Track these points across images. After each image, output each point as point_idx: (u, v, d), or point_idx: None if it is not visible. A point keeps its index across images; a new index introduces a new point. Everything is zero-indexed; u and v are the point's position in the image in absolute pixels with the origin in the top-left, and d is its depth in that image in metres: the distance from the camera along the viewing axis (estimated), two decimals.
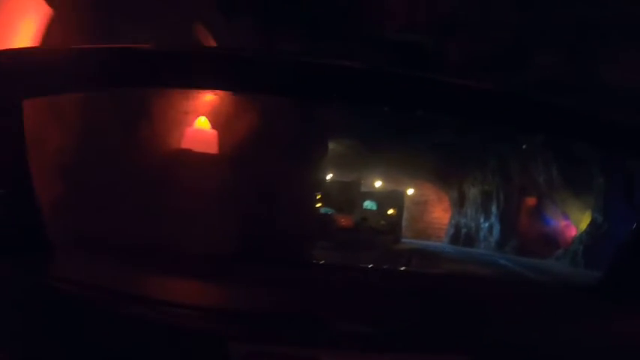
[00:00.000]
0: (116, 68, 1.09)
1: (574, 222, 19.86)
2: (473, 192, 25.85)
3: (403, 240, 25.81)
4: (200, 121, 5.28)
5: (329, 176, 25.08)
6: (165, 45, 1.75)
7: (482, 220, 24.71)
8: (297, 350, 0.92)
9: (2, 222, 1.12)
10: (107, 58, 1.10)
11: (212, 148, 5.24)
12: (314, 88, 1.16)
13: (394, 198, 26.17)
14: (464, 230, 26.64)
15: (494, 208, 23.39)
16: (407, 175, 28.95)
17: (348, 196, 24.37)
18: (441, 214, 32.97)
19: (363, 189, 27.11)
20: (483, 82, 1.07)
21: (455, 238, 27.32)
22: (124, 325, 0.93)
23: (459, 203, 27.87)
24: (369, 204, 25.27)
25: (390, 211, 25.95)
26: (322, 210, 22.41)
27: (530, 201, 22.07)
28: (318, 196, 20.94)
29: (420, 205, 33.47)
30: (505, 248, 21.65)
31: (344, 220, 21.97)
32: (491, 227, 23.60)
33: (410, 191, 30.98)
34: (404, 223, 29.04)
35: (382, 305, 1.26)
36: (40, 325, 0.91)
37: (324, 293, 1.32)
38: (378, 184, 28.41)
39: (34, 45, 2.60)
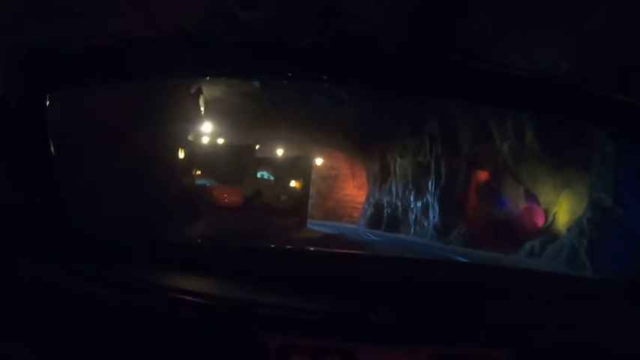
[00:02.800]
0: (147, 59, 1.13)
1: (545, 205, 14.64)
2: (401, 164, 20.09)
3: (310, 223, 19.63)
4: None
5: (208, 135, 18.37)
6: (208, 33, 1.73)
7: (412, 198, 19.03)
8: (331, 343, 0.93)
9: (30, 215, 1.11)
10: (136, 48, 1.14)
11: None
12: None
13: (299, 167, 19.72)
14: (387, 211, 20.88)
15: (430, 184, 17.72)
16: (314, 141, 22.74)
17: (236, 164, 17.72)
18: (353, 191, 27.22)
19: (259, 154, 20.44)
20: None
21: (373, 221, 21.54)
22: (155, 320, 0.94)
23: (381, 178, 22.08)
24: (265, 174, 18.71)
25: (294, 184, 19.62)
26: (199, 182, 15.74)
27: (483, 175, 16.62)
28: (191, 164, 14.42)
29: (329, 181, 27.48)
30: (449, 237, 16.07)
31: (229, 195, 15.51)
32: (426, 208, 17.94)
33: (318, 161, 24.75)
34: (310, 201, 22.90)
35: (412, 296, 1.20)
36: (66, 321, 0.95)
37: (353, 285, 1.20)
38: (279, 150, 21.89)
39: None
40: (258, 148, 20.38)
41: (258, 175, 18.74)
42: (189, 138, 16.99)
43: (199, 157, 16.77)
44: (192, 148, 16.46)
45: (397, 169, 20.50)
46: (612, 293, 1.45)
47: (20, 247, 1.08)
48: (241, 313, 0.99)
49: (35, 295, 1.01)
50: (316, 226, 19.20)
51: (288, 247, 4.56)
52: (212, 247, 1.80)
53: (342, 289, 1.17)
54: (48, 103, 1.12)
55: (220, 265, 1.27)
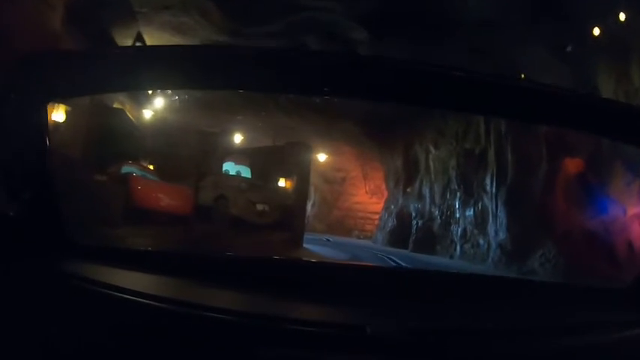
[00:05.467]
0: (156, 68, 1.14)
1: None
2: (437, 156, 13.99)
3: (308, 241, 13.50)
4: None
5: (153, 110, 12.31)
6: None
7: (458, 204, 12.90)
8: (326, 355, 0.91)
9: (26, 222, 1.12)
10: (137, 58, 1.17)
11: None
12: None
13: (292, 159, 13.50)
14: (416, 222, 14.72)
15: (489, 182, 11.63)
16: (312, 130, 16.64)
17: (194, 152, 11.66)
18: (366, 197, 21.03)
19: (230, 141, 14.16)
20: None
21: (396, 236, 15.41)
22: (148, 327, 0.95)
23: (405, 177, 15.93)
24: (236, 168, 12.47)
25: (282, 183, 13.48)
26: (125, 169, 9.78)
27: (574, 165, 10.62)
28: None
29: (335, 185, 21.32)
30: (529, 263, 10.03)
31: (166, 195, 9.52)
32: (482, 218, 11.81)
33: (320, 158, 18.56)
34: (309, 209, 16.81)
35: (410, 308, 1.16)
36: (63, 325, 0.96)
37: (348, 296, 1.17)
38: (260, 139, 15.61)
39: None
40: (229, 133, 14.17)
41: (224, 168, 12.57)
42: (120, 110, 11.22)
43: (133, 139, 10.87)
44: (123, 124, 10.61)
45: (431, 164, 14.36)
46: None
47: (15, 253, 1.08)
48: (234, 325, 0.95)
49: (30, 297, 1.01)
50: (315, 244, 13.15)
51: (283, 257, 4.50)
52: (204, 255, 1.61)
53: (338, 301, 1.13)
54: (48, 111, 1.16)
55: (212, 275, 1.21)
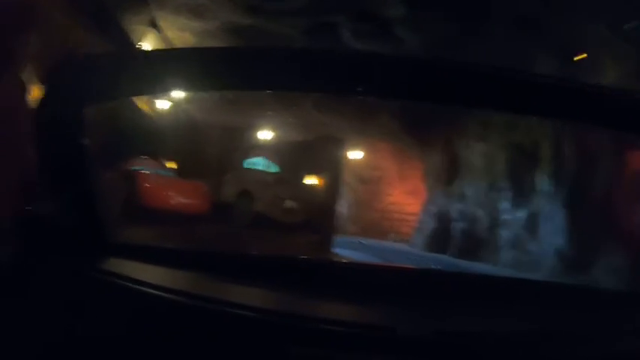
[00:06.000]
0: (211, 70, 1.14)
1: None
2: (480, 151, 12.73)
3: (339, 245, 12.38)
4: None
5: (171, 101, 11.41)
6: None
7: (507, 205, 11.62)
8: (355, 356, 0.91)
9: (66, 222, 1.16)
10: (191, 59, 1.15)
11: None
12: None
13: (321, 155, 12.43)
14: (457, 226, 13.46)
15: (544, 181, 10.36)
16: (345, 124, 15.49)
17: (213, 145, 10.73)
18: (403, 197, 19.75)
19: (251, 136, 13.05)
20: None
21: (435, 240, 14.17)
22: (183, 324, 0.95)
23: (445, 176, 14.67)
24: (261, 162, 11.47)
25: (312, 180, 12.43)
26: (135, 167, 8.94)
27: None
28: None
29: (370, 184, 20.14)
30: (591, 272, 8.72)
31: (179, 192, 8.66)
32: (534, 222, 10.51)
33: (355, 155, 17.39)
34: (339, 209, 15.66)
35: (442, 310, 1.15)
36: (97, 320, 0.97)
37: (378, 297, 1.16)
38: (286, 133, 14.52)
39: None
40: (255, 128, 13.14)
41: (247, 163, 11.58)
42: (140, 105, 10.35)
43: (148, 133, 9.96)
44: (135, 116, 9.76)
45: (475, 160, 13.08)
46: None
47: (52, 252, 1.10)
48: (263, 323, 0.96)
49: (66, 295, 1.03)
50: (346, 248, 12.04)
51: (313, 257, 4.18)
52: (234, 253, 1.65)
53: (368, 301, 1.13)
54: (85, 115, 1.16)
55: (242, 273, 1.23)
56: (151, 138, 9.96)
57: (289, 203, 10.74)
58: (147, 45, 8.43)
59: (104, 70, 1.12)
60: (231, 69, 1.10)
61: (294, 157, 12.46)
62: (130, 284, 1.01)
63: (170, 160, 10.06)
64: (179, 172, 9.40)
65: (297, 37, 8.61)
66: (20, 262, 1.07)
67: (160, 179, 8.63)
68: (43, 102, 1.09)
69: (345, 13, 8.47)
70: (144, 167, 8.70)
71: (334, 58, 1.13)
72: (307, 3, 7.84)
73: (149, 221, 7.79)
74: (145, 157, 9.10)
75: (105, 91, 1.18)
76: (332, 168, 13.15)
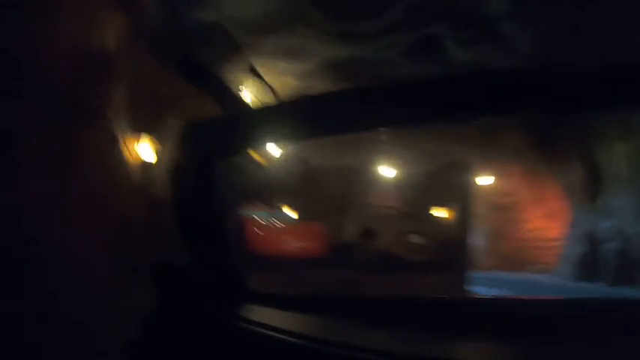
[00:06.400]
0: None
1: None
2: (624, 155, 11.29)
3: (473, 281, 11.38)
4: None
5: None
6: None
7: None
8: None
9: (204, 272, 1.23)
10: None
11: None
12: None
13: (448, 180, 11.70)
14: (607, 247, 11.91)
15: None
16: (471, 148, 14.57)
17: (331, 185, 10.46)
18: (541, 222, 18.14)
19: (370, 172, 12.56)
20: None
21: (583, 266, 12.66)
22: None
23: (588, 192, 13.19)
24: (381, 199, 10.98)
25: (439, 212, 11.67)
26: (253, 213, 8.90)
27: None
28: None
29: (503, 212, 18.77)
30: None
31: (297, 236, 8.39)
32: None
33: (483, 181, 16.30)
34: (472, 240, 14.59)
35: (602, 345, 1.08)
36: None
37: (515, 334, 1.10)
38: (407, 161, 13.92)
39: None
40: (372, 163, 12.69)
41: (369, 201, 11.14)
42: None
43: (260, 179, 9.94)
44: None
45: (619, 167, 11.61)
46: None
47: (193, 301, 1.15)
48: None
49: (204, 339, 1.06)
50: (481, 285, 11.03)
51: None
52: (364, 297, 1.63)
53: (502, 340, 1.07)
54: (218, 171, 1.25)
55: (371, 316, 1.23)
56: (266, 184, 9.94)
57: (416, 238, 10.13)
58: (248, 92, 8.36)
59: (232, 128, 1.19)
60: (357, 110, 1.08)
61: (418, 189, 11.84)
62: (270, 332, 1.02)
63: (286, 204, 9.94)
64: (297, 216, 9.24)
65: (399, 61, 8.12)
66: (163, 311, 1.09)
67: (277, 224, 8.52)
68: (178, 161, 1.16)
69: (445, 19, 7.87)
70: (259, 213, 8.64)
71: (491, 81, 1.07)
72: (404, 15, 7.35)
73: (270, 266, 7.60)
74: (260, 203, 9.05)
75: (234, 147, 1.25)
76: (459, 197, 12.34)
